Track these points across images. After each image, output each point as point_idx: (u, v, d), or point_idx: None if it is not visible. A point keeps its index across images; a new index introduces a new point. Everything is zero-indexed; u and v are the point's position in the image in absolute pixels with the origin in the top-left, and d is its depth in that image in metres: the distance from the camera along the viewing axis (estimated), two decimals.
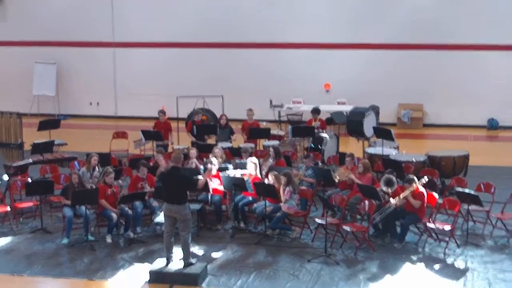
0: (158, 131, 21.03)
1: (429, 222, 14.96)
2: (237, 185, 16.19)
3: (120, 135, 22.66)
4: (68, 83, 29.89)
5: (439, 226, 14.91)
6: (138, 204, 15.69)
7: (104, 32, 29.29)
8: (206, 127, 21.42)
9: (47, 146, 19.65)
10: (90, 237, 15.29)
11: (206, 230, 15.95)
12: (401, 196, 14.82)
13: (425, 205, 14.92)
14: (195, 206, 15.38)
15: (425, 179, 15.09)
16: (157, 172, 16.56)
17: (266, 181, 16.20)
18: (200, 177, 15.25)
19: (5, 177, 17.86)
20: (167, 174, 13.91)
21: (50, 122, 21.81)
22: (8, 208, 16.36)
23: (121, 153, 21.03)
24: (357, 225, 15.22)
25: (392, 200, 14.82)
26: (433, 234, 15.01)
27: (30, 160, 18.76)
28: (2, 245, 15.32)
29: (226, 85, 27.14)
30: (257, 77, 27.88)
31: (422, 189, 14.92)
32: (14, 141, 19.95)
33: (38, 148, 19.23)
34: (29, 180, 17.17)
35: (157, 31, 28.83)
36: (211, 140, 20.93)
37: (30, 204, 16.86)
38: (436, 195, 15.51)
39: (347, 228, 14.80)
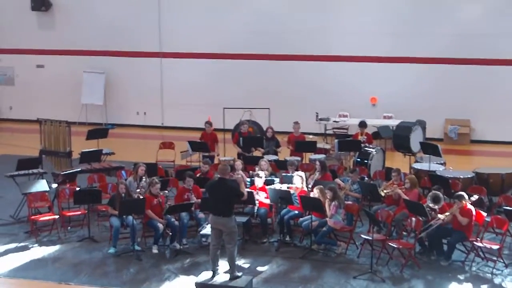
0: (205, 142, 21.05)
1: (477, 240, 14.77)
2: (283, 198, 16.09)
3: (167, 145, 22.70)
4: (116, 93, 30.15)
5: (487, 245, 14.69)
6: (184, 215, 15.69)
7: (152, 43, 29.49)
8: (252, 139, 21.36)
9: (95, 155, 19.77)
10: (137, 247, 15.34)
11: (252, 243, 15.91)
12: (449, 212, 14.67)
13: (472, 223, 14.74)
14: (241, 219, 15.36)
15: (474, 197, 14.93)
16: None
17: (311, 194, 16.10)
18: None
19: (54, 185, 18.02)
20: (214, 186, 13.92)
21: (98, 131, 21.91)
22: (56, 217, 16.52)
23: (167, 164, 21.11)
24: (403, 242, 15.03)
25: (440, 216, 14.66)
26: (481, 253, 14.80)
27: (78, 169, 18.87)
28: (50, 253, 15.44)
29: (273, 98, 27.12)
30: (303, 90, 27.83)
31: (470, 206, 14.75)
32: (63, 149, 20.09)
33: (86, 157, 19.33)
34: (77, 188, 17.31)
35: (204, 42, 28.92)
36: (257, 153, 20.89)
37: (78, 212, 17.03)
38: (484, 213, 15.31)
39: (393, 244, 14.69)
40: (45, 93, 30.62)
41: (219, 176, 13.95)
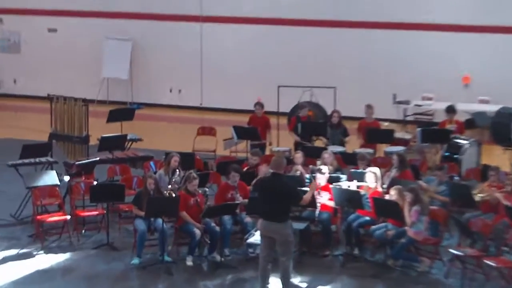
0: (254, 128, 20.97)
1: None
2: (351, 200, 15.99)
3: (207, 131, 22.82)
4: (145, 65, 30.24)
5: None
6: (227, 219, 15.62)
7: (190, 3, 29.46)
8: (313, 125, 21.40)
9: (118, 142, 19.81)
10: (167, 258, 15.29)
11: (311, 256, 15.80)
12: None
13: None
14: (299, 225, 15.25)
15: None
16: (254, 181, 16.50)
17: (387, 197, 15.97)
18: (306, 189, 15.09)
19: (66, 178, 17.99)
20: (266, 184, 13.84)
21: (122, 112, 22.06)
22: (68, 217, 16.50)
23: (207, 154, 21.13)
24: (503, 260, 14.75)
25: None
26: None
27: (97, 158, 18.86)
28: (59, 263, 15.50)
29: (340, 74, 27.08)
30: (378, 65, 27.66)
31: None
32: (78, 133, 20.20)
33: (107, 144, 19.37)
34: (95, 183, 17.27)
35: (255, 4, 28.83)
36: (319, 142, 20.75)
37: (94, 212, 17.08)
38: None
39: (490, 262, 14.40)
40: (57, 64, 30.83)
41: (272, 171, 13.79)
